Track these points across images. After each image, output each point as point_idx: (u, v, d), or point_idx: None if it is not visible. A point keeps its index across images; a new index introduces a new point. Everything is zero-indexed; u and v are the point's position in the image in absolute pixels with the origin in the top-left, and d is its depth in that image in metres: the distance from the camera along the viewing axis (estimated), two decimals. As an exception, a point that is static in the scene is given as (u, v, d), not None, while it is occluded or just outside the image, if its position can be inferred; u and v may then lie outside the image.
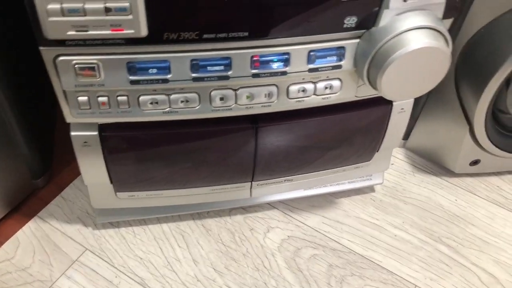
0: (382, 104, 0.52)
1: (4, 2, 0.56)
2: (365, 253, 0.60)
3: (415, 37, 0.40)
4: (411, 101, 0.53)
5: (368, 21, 0.42)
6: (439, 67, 0.43)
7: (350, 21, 0.41)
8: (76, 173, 0.67)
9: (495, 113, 0.60)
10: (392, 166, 0.70)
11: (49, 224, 0.61)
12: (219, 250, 0.59)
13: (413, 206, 0.66)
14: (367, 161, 0.59)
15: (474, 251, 0.61)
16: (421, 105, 0.65)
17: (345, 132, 0.54)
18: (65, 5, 0.35)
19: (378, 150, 0.58)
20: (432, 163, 0.71)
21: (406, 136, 0.70)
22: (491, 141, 0.61)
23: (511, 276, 0.59)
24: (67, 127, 0.48)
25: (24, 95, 0.58)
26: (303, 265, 0.59)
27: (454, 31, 0.54)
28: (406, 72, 0.42)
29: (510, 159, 0.66)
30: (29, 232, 0.60)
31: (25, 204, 0.63)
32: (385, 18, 0.41)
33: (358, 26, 0.42)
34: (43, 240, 0.59)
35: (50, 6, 0.35)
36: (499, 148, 0.63)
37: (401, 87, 0.43)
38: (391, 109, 0.53)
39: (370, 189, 0.67)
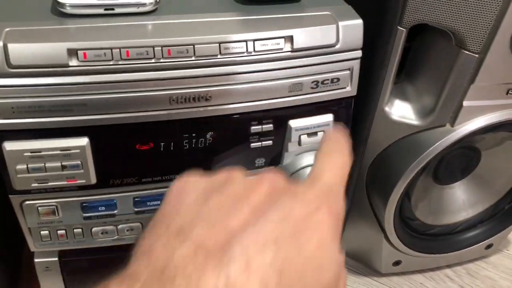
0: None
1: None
2: None
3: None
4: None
5: (274, 160, 0.53)
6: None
7: (260, 161, 0.52)
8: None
9: (405, 221, 0.71)
10: (327, 269, 0.78)
11: None
12: None
13: (346, 306, 0.73)
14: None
15: None
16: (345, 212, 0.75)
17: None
18: (30, 166, 0.45)
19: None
20: (362, 264, 0.79)
21: (338, 240, 0.80)
22: (405, 245, 0.71)
23: None
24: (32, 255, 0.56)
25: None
26: None
27: (360, 154, 0.66)
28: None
29: (429, 258, 0.75)
30: None
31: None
32: (288, 158, 0.53)
33: (267, 164, 0.53)
34: None
35: (19, 167, 0.45)
36: (414, 250, 0.72)
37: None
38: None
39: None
